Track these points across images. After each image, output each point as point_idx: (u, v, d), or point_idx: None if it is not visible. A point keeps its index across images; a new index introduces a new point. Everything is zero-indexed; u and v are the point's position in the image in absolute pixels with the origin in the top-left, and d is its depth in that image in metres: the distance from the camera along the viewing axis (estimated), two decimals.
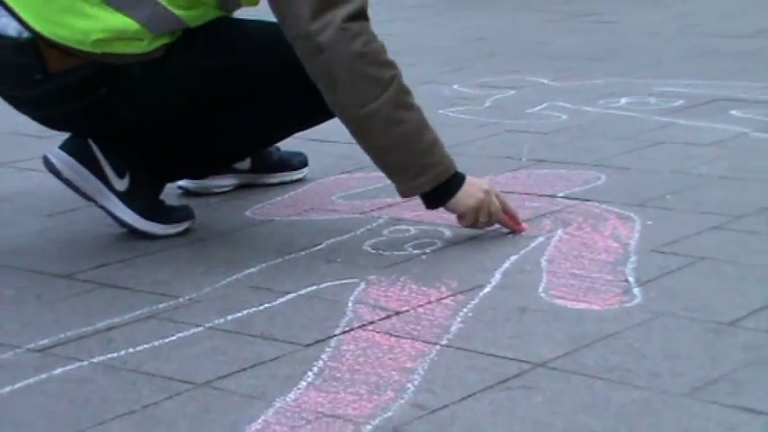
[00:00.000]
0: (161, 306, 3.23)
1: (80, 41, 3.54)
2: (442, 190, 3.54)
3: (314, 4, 3.42)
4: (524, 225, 3.65)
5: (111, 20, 3.55)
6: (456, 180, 3.55)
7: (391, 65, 3.54)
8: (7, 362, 2.91)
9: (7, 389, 2.75)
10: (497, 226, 3.63)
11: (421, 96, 5.35)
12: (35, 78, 3.32)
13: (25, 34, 3.50)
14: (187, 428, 2.54)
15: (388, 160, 3.58)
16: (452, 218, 3.61)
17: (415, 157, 3.53)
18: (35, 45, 3.40)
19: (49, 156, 3.78)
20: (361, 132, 3.57)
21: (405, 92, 3.55)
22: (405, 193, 3.60)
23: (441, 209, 3.60)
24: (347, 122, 3.57)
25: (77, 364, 2.89)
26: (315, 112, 3.68)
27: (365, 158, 3.72)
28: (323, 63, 3.46)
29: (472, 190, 3.54)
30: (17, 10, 3.49)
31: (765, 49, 6.61)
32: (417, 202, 3.65)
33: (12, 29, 3.51)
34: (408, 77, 5.50)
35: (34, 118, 3.83)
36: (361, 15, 3.49)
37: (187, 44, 3.67)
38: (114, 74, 3.63)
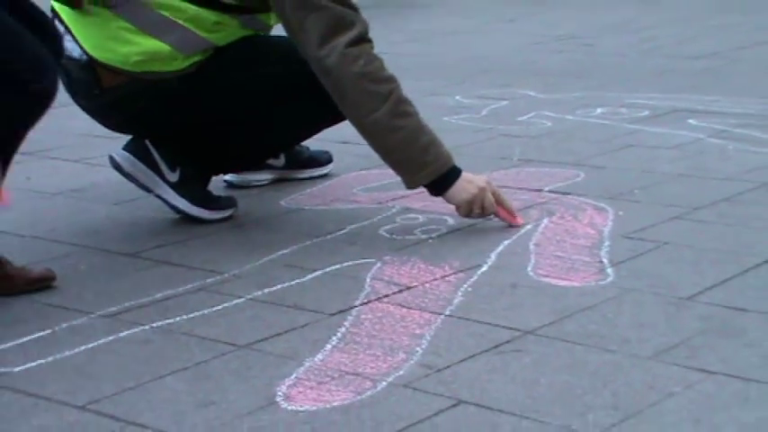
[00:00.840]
0: (209, 281, 3.26)
1: (123, 62, 3.58)
2: (439, 183, 3.56)
3: (320, 33, 3.47)
4: (520, 219, 3.63)
5: (146, 44, 3.59)
6: (452, 175, 3.56)
7: (389, 80, 3.54)
8: (82, 326, 2.94)
9: (82, 348, 2.80)
10: (494, 218, 3.62)
11: (428, 106, 5.38)
12: (94, 92, 3.34)
13: (84, 57, 3.54)
14: (231, 383, 2.56)
15: (392, 159, 3.61)
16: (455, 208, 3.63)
17: (413, 156, 3.55)
18: (92, 66, 3.43)
19: (113, 155, 3.81)
20: (367, 137, 3.61)
21: (402, 102, 3.55)
22: (408, 185, 3.64)
23: (444, 201, 3.61)
24: (356, 128, 3.61)
25: (140, 327, 2.92)
26: (331, 114, 3.68)
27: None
28: (331, 82, 3.51)
29: (467, 185, 3.55)
30: (78, 37, 3.54)
31: (715, 68, 6.59)
32: (425, 194, 3.67)
33: (75, 52, 3.55)
34: (417, 90, 5.52)
35: (100, 123, 3.87)
36: (361, 40, 3.52)
37: (218, 60, 3.69)
38: (156, 87, 3.67)
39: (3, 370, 2.67)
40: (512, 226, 3.61)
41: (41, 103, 3.06)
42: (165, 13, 3.58)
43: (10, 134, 3.14)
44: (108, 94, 3.62)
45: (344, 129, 3.78)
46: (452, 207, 3.62)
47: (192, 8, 3.59)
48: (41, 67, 3.04)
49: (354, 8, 3.56)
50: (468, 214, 3.59)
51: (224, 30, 3.66)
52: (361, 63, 3.49)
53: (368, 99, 3.52)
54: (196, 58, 3.67)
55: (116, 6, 3.49)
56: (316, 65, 3.51)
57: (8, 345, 2.81)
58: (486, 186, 3.56)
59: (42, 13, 3.15)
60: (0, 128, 3.10)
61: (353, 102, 3.54)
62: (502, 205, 3.61)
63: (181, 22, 3.59)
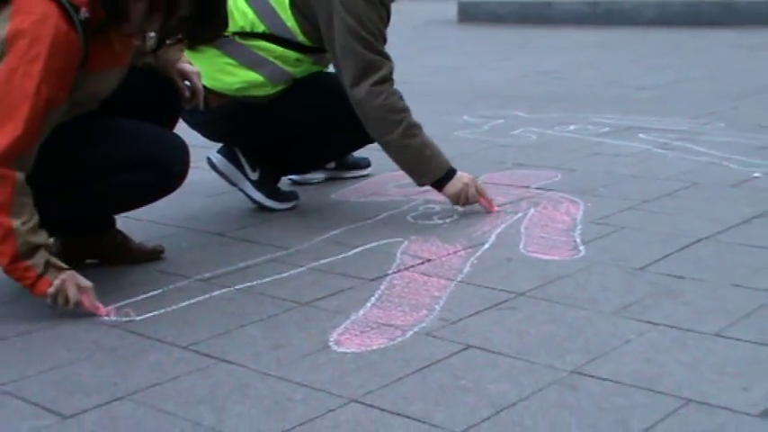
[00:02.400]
0: (278, 254, 3.25)
1: (227, 89, 3.61)
2: (437, 182, 3.60)
3: (355, 74, 3.51)
4: (495, 207, 3.66)
5: (245, 75, 3.60)
6: (447, 176, 3.59)
7: (402, 110, 3.56)
8: (185, 287, 2.96)
9: (185, 303, 2.82)
10: (477, 205, 3.65)
11: (442, 123, 5.39)
12: (202, 110, 3.34)
13: None
14: (295, 331, 2.57)
15: (404, 167, 3.65)
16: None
17: (419, 165, 3.60)
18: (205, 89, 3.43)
19: (211, 156, 3.84)
20: (386, 151, 3.65)
21: (412, 127, 3.56)
22: (417, 184, 3.68)
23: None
24: (379, 145, 3.65)
25: (227, 289, 2.93)
26: (368, 136, 3.67)
27: None
28: (361, 110, 3.54)
29: (457, 182, 3.59)
30: None
31: (658, 96, 6.55)
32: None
33: None
34: (434, 111, 5.52)
35: (201, 134, 3.87)
36: (384, 80, 3.54)
37: (295, 89, 3.70)
38: (249, 108, 3.68)
39: (126, 319, 2.68)
40: (489, 212, 3.63)
41: (179, 180, 3.05)
42: (260, 52, 3.59)
43: (140, 204, 3.16)
44: (214, 112, 3.63)
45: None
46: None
47: (279, 48, 3.61)
48: (177, 150, 3.02)
49: (384, 54, 3.57)
50: (458, 202, 3.63)
51: (302, 65, 3.68)
52: (382, 98, 3.52)
53: (386, 125, 3.55)
54: (281, 87, 3.69)
55: (221, 46, 3.48)
56: (350, 97, 3.54)
57: (131, 300, 2.81)
58: (470, 182, 3.62)
59: (165, 81, 3.12)
60: (139, 201, 3.13)
61: (375, 126, 3.57)
62: (483, 196, 3.64)
63: (271, 59, 3.61)
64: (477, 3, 14.21)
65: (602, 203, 3.75)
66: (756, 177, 4.13)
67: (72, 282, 2.65)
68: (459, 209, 3.64)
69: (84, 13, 2.62)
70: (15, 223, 2.56)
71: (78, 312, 2.68)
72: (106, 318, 2.68)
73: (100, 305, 2.70)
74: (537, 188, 4.03)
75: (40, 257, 2.61)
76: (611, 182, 4.12)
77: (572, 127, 5.40)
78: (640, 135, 5.10)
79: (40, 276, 2.62)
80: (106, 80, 2.84)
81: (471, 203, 3.64)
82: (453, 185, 3.60)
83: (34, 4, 2.58)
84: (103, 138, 2.89)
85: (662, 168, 4.35)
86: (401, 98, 3.58)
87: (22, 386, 2.29)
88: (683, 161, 4.48)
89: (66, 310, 2.66)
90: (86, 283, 2.69)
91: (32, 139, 2.59)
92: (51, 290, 2.62)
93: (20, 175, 2.57)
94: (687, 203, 3.76)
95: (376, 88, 3.52)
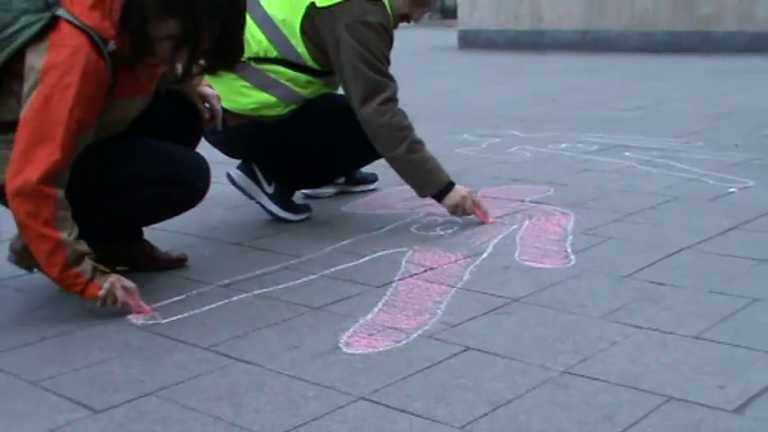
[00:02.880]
0: (292, 262, 3.24)
1: (242, 109, 3.62)
2: (437, 194, 3.60)
3: (362, 95, 3.53)
4: (490, 219, 3.66)
5: (259, 97, 3.62)
6: (447, 188, 3.60)
7: (406, 128, 3.56)
8: (206, 292, 2.94)
9: (206, 308, 2.80)
10: (473, 216, 3.65)
11: (445, 141, 5.40)
12: (221, 129, 3.34)
13: None
14: (308, 334, 2.56)
15: (407, 180, 3.65)
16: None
17: (420, 178, 3.61)
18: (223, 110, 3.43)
19: (230, 172, 3.84)
20: (391, 165, 3.65)
21: (414, 143, 3.57)
22: (419, 195, 3.67)
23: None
24: (385, 159, 3.65)
25: (245, 294, 2.91)
26: (374, 153, 3.68)
27: None
28: (367, 128, 3.55)
29: (455, 195, 3.60)
30: None
31: (642, 117, 6.58)
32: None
33: None
34: (437, 130, 5.52)
35: (221, 151, 3.87)
36: (389, 100, 3.55)
37: (306, 109, 3.71)
38: (263, 127, 3.68)
39: (153, 322, 2.68)
40: (484, 223, 3.63)
41: (200, 195, 3.06)
42: (272, 75, 3.60)
43: (165, 217, 3.18)
44: (232, 131, 3.64)
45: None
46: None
47: (290, 72, 3.61)
48: (200, 169, 3.03)
49: (388, 76, 3.58)
50: (456, 213, 3.63)
51: (312, 87, 3.69)
52: (388, 116, 3.53)
53: (390, 141, 3.55)
54: (292, 107, 3.70)
55: (238, 70, 3.49)
56: (359, 116, 3.55)
57: (157, 305, 2.80)
58: (468, 195, 3.62)
59: (187, 103, 3.13)
60: (164, 214, 3.14)
61: (381, 143, 3.58)
62: (479, 208, 3.64)
63: (283, 81, 3.62)
64: (476, 30, 14.25)
65: (591, 216, 3.75)
66: (732, 192, 4.13)
67: (119, 284, 2.68)
68: (459, 219, 3.64)
69: (112, 45, 2.64)
70: (63, 235, 2.59)
71: (109, 315, 2.68)
72: (134, 320, 2.68)
73: (144, 304, 2.72)
74: (531, 201, 4.02)
75: (87, 264, 2.64)
76: (600, 196, 4.11)
77: (563, 145, 5.40)
78: (626, 153, 5.11)
79: (90, 281, 2.64)
80: (132, 106, 2.85)
81: (468, 214, 3.63)
82: (452, 197, 3.60)
83: (68, 37, 2.60)
84: (131, 156, 2.90)
85: (646, 183, 4.35)
86: (405, 117, 3.58)
87: (58, 382, 2.29)
88: (665, 177, 4.48)
89: (114, 310, 2.68)
90: (131, 284, 2.72)
91: (68, 159, 2.61)
92: (101, 293, 2.65)
93: (60, 192, 2.60)
94: (669, 216, 3.75)
95: (382, 107, 3.52)
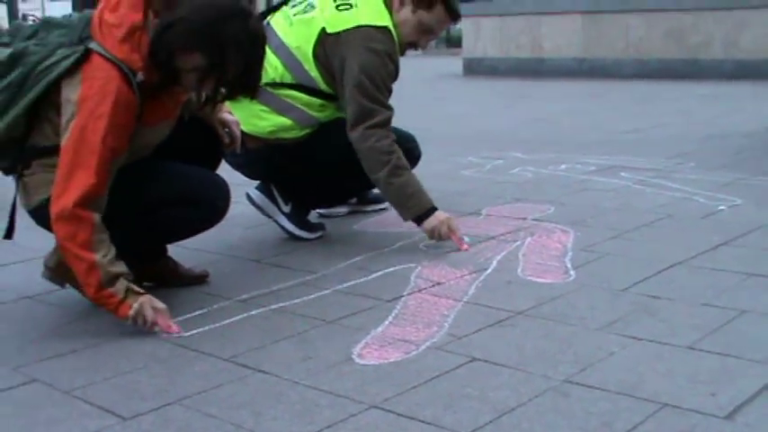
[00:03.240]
0: (307, 278, 3.23)
1: (260, 132, 3.62)
2: (417, 218, 3.53)
3: (352, 119, 3.52)
4: (465, 246, 3.54)
5: (276, 120, 3.62)
6: (427, 213, 3.52)
7: (390, 153, 3.51)
8: (226, 306, 2.93)
9: (226, 321, 2.80)
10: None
11: (451, 163, 5.41)
12: (240, 152, 3.35)
13: None
14: (322, 346, 2.55)
15: (390, 202, 3.62)
16: (473, 229, 3.60)
17: (402, 201, 3.55)
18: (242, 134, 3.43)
19: (249, 192, 3.84)
20: (376, 186, 3.64)
21: (397, 168, 3.51)
22: (402, 218, 3.61)
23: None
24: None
25: (263, 308, 2.90)
26: None
27: None
28: (356, 150, 3.52)
29: (433, 220, 3.52)
30: None
31: (636, 139, 6.58)
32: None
33: None
34: (444, 153, 5.53)
35: (241, 173, 3.88)
36: (377, 125, 3.51)
37: (319, 132, 3.70)
38: (280, 149, 3.68)
39: (177, 334, 2.67)
40: (458, 248, 3.52)
41: (221, 214, 3.06)
42: (288, 100, 3.60)
43: (188, 235, 3.17)
44: (251, 154, 3.62)
45: None
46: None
47: (305, 96, 3.61)
48: (221, 190, 3.03)
49: (382, 104, 3.53)
50: (432, 237, 3.55)
51: (326, 110, 3.68)
52: (373, 140, 3.49)
53: (373, 164, 3.52)
54: (307, 130, 3.69)
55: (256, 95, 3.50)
56: (350, 138, 3.53)
57: (180, 318, 2.79)
58: (445, 221, 3.53)
59: (208, 128, 3.15)
60: (187, 233, 3.13)
61: (366, 165, 3.54)
62: (454, 234, 3.54)
63: (298, 105, 3.62)
64: (480, 59, 14.27)
65: (590, 233, 3.73)
66: (722, 210, 4.12)
67: (149, 305, 2.67)
68: (466, 238, 3.61)
69: (140, 76, 2.67)
70: (97, 257, 2.61)
71: (138, 328, 2.68)
72: (160, 334, 2.67)
73: (172, 323, 2.71)
74: (533, 219, 4.01)
75: (121, 285, 2.64)
76: (597, 214, 4.10)
77: (563, 166, 5.39)
78: (622, 173, 5.10)
79: (122, 301, 2.64)
80: (158, 132, 2.86)
81: (444, 239, 3.54)
82: (430, 222, 3.52)
83: (99, 69, 2.63)
84: (156, 179, 2.91)
85: (641, 202, 4.34)
86: (393, 142, 3.53)
87: (89, 391, 2.29)
88: (658, 196, 4.46)
89: (144, 329, 2.67)
90: (161, 305, 2.70)
91: (103, 184, 2.64)
92: (131, 312, 2.64)
93: (96, 216, 2.62)
94: (663, 232, 3.74)
95: (368, 132, 3.49)
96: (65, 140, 2.63)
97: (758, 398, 2.13)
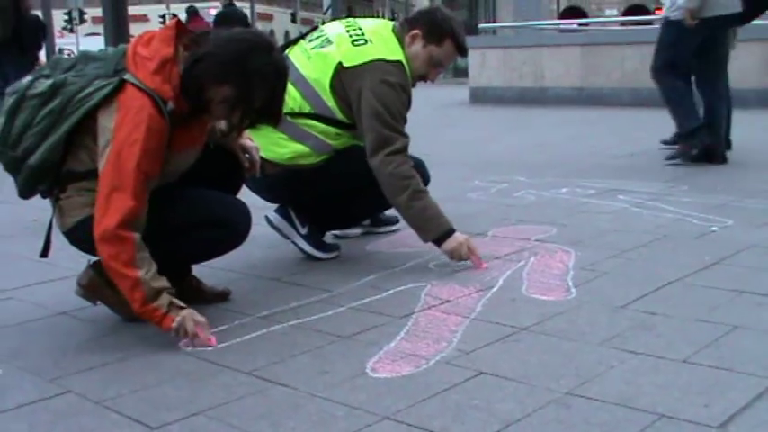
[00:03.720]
0: (323, 296, 3.22)
1: (279, 158, 3.62)
2: (437, 240, 3.51)
3: (372, 147, 3.51)
4: (485, 265, 3.52)
5: (294, 147, 3.62)
6: (446, 235, 3.50)
7: (409, 178, 3.50)
8: (247, 323, 2.93)
9: (247, 336, 2.79)
10: (468, 261, 3.54)
11: (459, 186, 5.41)
12: (261, 177, 3.36)
13: None
14: (338, 359, 2.55)
15: (411, 224, 3.59)
16: (479, 249, 3.57)
17: (421, 224, 3.54)
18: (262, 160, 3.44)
19: (268, 215, 3.84)
20: (396, 210, 3.63)
21: (417, 192, 3.50)
22: (422, 240, 3.59)
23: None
24: (392, 205, 3.62)
25: (281, 325, 2.90)
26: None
27: None
28: (377, 176, 3.52)
29: (452, 242, 3.49)
30: None
31: (633, 164, 6.57)
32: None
33: None
34: (452, 176, 5.53)
35: (260, 197, 3.88)
36: (396, 152, 3.50)
37: (335, 158, 3.70)
38: (297, 174, 3.67)
39: (201, 348, 2.67)
40: (477, 267, 3.50)
41: (243, 237, 3.08)
42: (306, 128, 3.61)
43: (212, 256, 3.19)
44: (269, 178, 3.63)
45: None
46: (477, 247, 3.57)
47: (322, 125, 3.61)
48: (242, 213, 3.06)
49: (399, 132, 3.54)
50: (452, 258, 3.52)
51: (342, 138, 3.67)
52: (393, 166, 3.49)
53: (394, 189, 3.51)
54: (324, 157, 3.69)
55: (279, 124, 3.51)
56: (369, 165, 3.53)
57: (203, 333, 2.79)
58: (464, 242, 3.51)
59: (230, 154, 3.16)
60: (211, 254, 3.15)
61: (387, 190, 3.54)
62: (474, 254, 3.52)
63: (315, 133, 3.62)
64: (485, 88, 14.29)
65: (590, 253, 3.72)
66: (713, 231, 4.11)
67: (190, 318, 2.69)
68: (485, 258, 3.60)
69: (170, 105, 2.70)
70: (140, 274, 2.63)
71: (163, 343, 2.69)
72: (184, 347, 2.69)
73: (211, 336, 2.73)
74: (536, 240, 4.00)
75: (164, 299, 2.67)
76: (597, 235, 4.08)
77: (564, 190, 5.38)
78: (619, 196, 5.08)
79: (165, 314, 2.67)
80: (185, 158, 2.89)
81: (464, 260, 3.52)
82: (449, 243, 3.50)
83: (133, 98, 2.67)
84: (183, 203, 2.92)
85: (638, 223, 4.32)
86: (411, 168, 3.53)
87: (118, 402, 2.29)
88: (654, 218, 4.45)
89: (170, 339, 2.69)
90: (201, 319, 2.72)
91: (141, 206, 2.67)
92: (174, 325, 2.66)
93: (137, 235, 2.65)
94: (659, 252, 3.73)
95: (388, 158, 3.49)
96: (102, 165, 2.66)
97: (749, 409, 2.13)
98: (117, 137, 2.64)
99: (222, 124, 3.04)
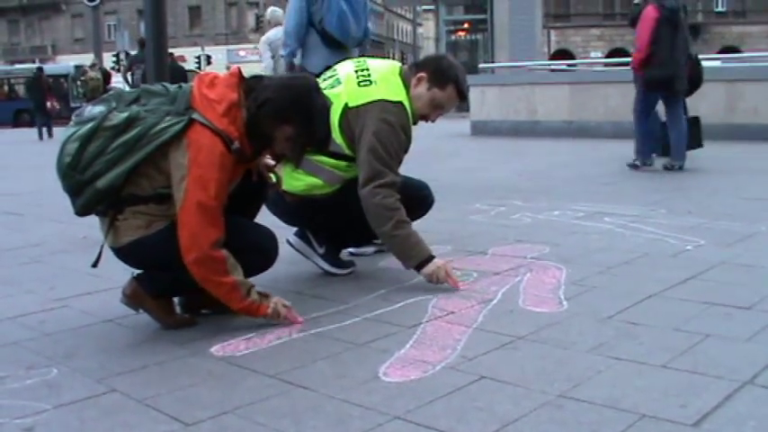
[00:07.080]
0: (341, 307, 3.21)
1: (297, 190, 3.60)
2: (417, 266, 3.43)
3: (363, 178, 3.46)
4: (461, 286, 3.42)
5: (309, 180, 3.61)
6: (426, 261, 3.42)
7: (394, 209, 3.42)
8: (272, 331, 2.91)
9: (273, 343, 2.79)
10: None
11: (460, 210, 5.39)
12: (281, 204, 3.36)
13: None
14: (354, 365, 2.53)
15: (393, 252, 3.52)
16: (480, 266, 3.55)
17: (404, 252, 3.45)
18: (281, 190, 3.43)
19: (288, 239, 3.82)
20: (380, 239, 3.58)
21: (400, 222, 3.41)
22: (404, 266, 3.51)
23: (470, 263, 3.53)
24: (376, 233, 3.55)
25: (303, 333, 2.89)
26: None
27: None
28: (364, 206, 3.46)
29: (431, 266, 3.41)
30: None
31: (617, 190, 6.55)
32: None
33: None
34: (455, 201, 5.50)
35: (282, 221, 3.86)
36: (385, 185, 3.42)
37: (345, 188, 3.64)
38: (313, 203, 3.66)
39: (230, 353, 2.67)
40: (456, 290, 3.40)
41: (273, 260, 3.11)
42: (318, 163, 3.58)
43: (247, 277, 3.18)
44: (289, 206, 3.65)
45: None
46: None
47: (332, 160, 3.57)
48: (272, 239, 3.09)
49: (391, 168, 3.46)
50: (431, 281, 3.43)
51: (352, 170, 3.61)
52: (379, 197, 3.42)
53: (380, 219, 3.44)
54: (336, 186, 3.65)
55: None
56: (359, 195, 3.48)
57: (233, 340, 2.80)
58: (442, 266, 3.42)
59: (257, 185, 3.17)
60: (247, 275, 3.12)
61: (372, 219, 3.46)
62: (450, 278, 3.42)
63: (327, 167, 3.59)
64: (485, 121, 14.33)
65: (579, 269, 3.69)
66: (689, 249, 4.08)
67: (280, 303, 2.93)
68: (474, 273, 3.58)
69: (236, 144, 2.77)
70: (234, 278, 2.79)
71: (196, 348, 2.68)
72: (215, 353, 2.69)
73: (299, 316, 2.97)
74: (531, 258, 3.97)
75: (254, 293, 2.86)
76: (586, 253, 4.06)
77: (556, 212, 5.36)
78: (605, 218, 5.06)
79: (260, 305, 2.87)
80: (231, 187, 2.91)
81: (441, 282, 3.42)
82: (429, 268, 3.41)
83: (204, 137, 2.73)
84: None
85: (622, 243, 4.30)
86: (396, 200, 3.45)
87: (157, 401, 2.29)
88: (636, 238, 4.42)
89: (280, 322, 2.92)
90: (287, 303, 2.96)
91: (222, 229, 2.78)
92: (269, 311, 2.89)
93: (224, 251, 2.78)
94: (640, 269, 3.70)
95: (376, 190, 3.42)
96: (181, 198, 2.71)
97: (720, 408, 2.12)
98: (193, 172, 2.70)
99: (267, 158, 3.11)
